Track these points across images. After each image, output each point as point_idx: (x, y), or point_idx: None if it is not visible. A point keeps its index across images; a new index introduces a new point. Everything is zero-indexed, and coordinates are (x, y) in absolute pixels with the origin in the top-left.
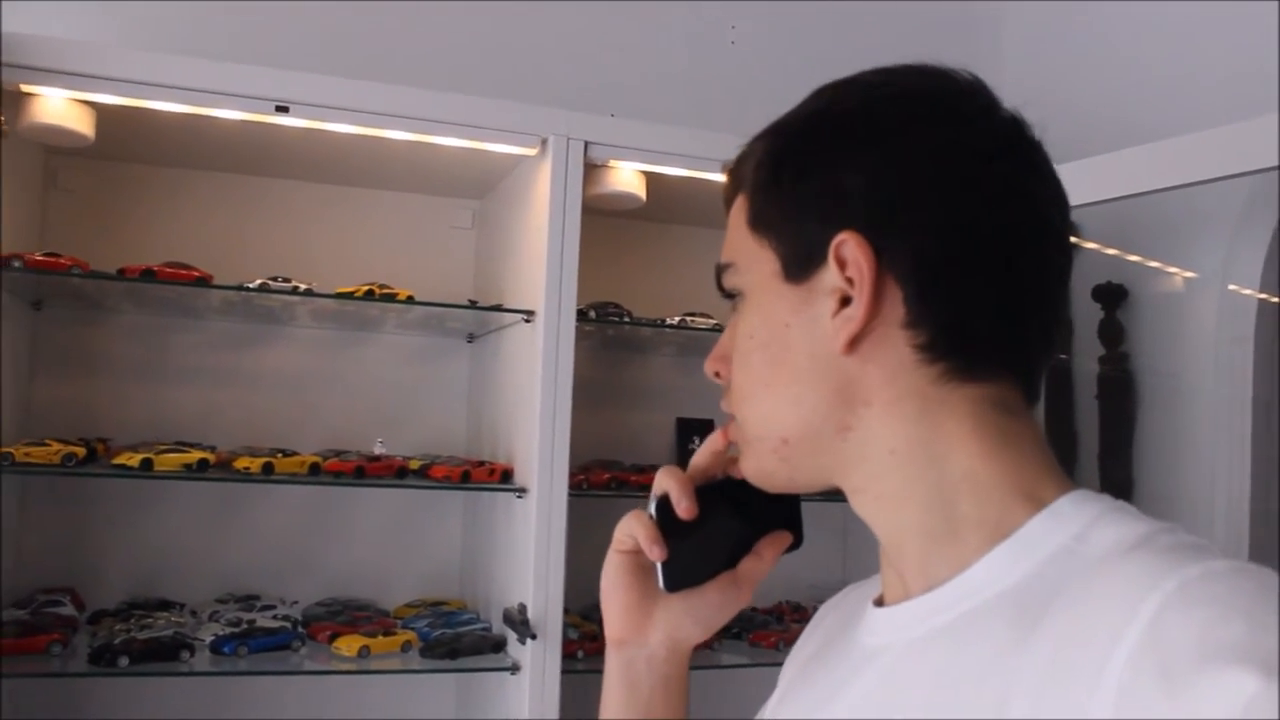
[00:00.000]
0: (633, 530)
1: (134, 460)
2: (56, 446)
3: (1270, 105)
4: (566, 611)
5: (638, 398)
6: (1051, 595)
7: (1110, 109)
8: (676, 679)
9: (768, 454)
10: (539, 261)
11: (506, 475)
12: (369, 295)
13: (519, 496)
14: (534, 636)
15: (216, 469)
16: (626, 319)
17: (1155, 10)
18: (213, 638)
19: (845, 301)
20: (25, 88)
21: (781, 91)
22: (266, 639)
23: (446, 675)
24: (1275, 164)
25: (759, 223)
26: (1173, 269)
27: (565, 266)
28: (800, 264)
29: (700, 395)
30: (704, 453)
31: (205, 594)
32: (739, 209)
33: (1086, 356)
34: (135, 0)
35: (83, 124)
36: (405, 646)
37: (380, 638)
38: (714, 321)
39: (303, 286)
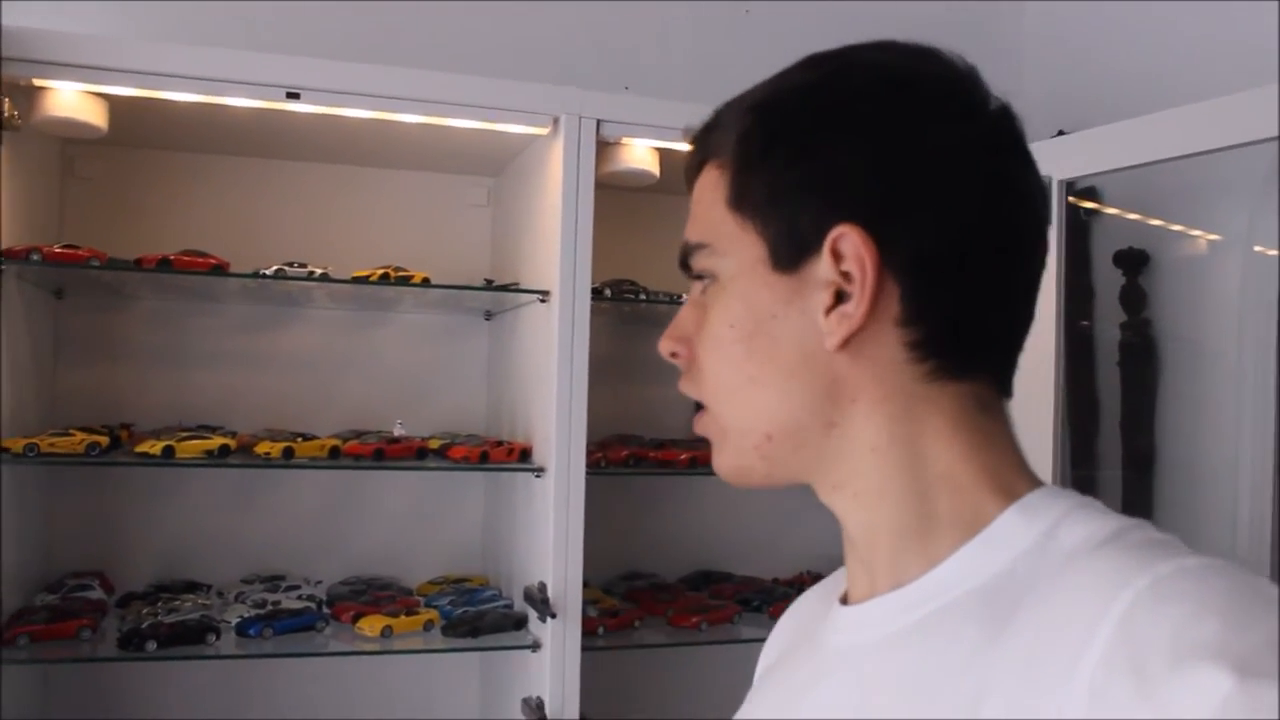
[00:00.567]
0: None
1: (156, 448)
2: (80, 436)
3: None
4: (587, 585)
5: (655, 372)
6: (1022, 593)
7: (1134, 73)
8: None
9: (749, 450)
10: (553, 241)
11: (525, 454)
12: (384, 279)
13: (537, 476)
14: (554, 615)
15: (237, 454)
16: (642, 296)
17: None
18: (238, 620)
19: (839, 296)
20: (38, 82)
21: None
22: (291, 621)
23: (470, 653)
24: None
25: (744, 203)
26: (1196, 232)
27: (579, 247)
28: (792, 253)
29: None
30: None
31: (231, 574)
32: (712, 184)
33: (1108, 323)
34: None
35: (96, 116)
36: (427, 625)
37: (403, 617)
38: None
39: (318, 271)
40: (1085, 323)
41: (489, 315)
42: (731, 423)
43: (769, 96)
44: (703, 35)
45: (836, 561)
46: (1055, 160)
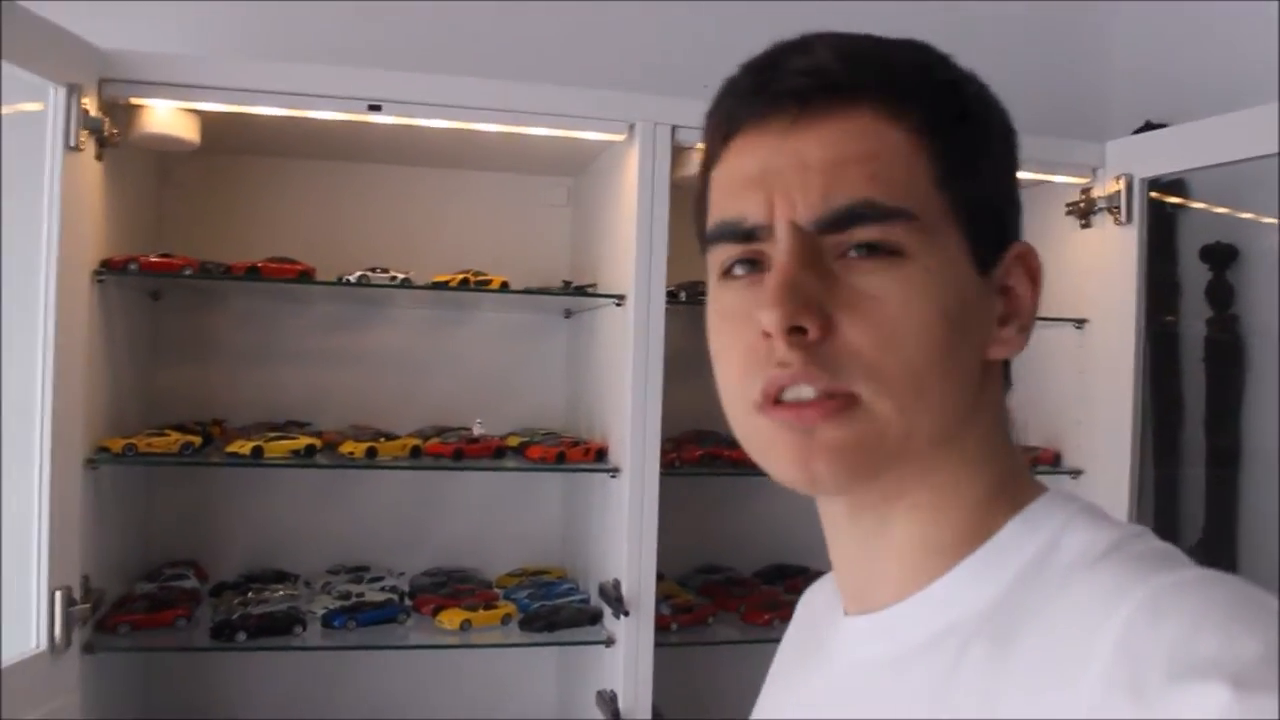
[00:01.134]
0: None
1: (246, 448)
2: (175, 436)
3: None
4: (662, 578)
5: None
6: (1025, 609)
7: (1220, 68)
8: None
9: (892, 455)
10: (629, 245)
11: (601, 454)
12: (464, 284)
13: (612, 476)
14: (627, 613)
15: (323, 454)
16: None
17: None
18: (324, 611)
19: (1013, 317)
20: (135, 101)
21: None
22: (374, 613)
23: (547, 647)
24: None
25: (961, 188)
26: None
27: (654, 251)
28: (989, 256)
29: None
30: None
31: (318, 565)
32: (900, 146)
33: (1193, 319)
34: (231, 2)
35: (189, 131)
36: (505, 619)
37: (481, 611)
38: None
39: (400, 276)
40: (1170, 319)
41: (568, 314)
42: (900, 421)
43: (964, 77)
44: (775, 38)
45: None
46: (1137, 158)
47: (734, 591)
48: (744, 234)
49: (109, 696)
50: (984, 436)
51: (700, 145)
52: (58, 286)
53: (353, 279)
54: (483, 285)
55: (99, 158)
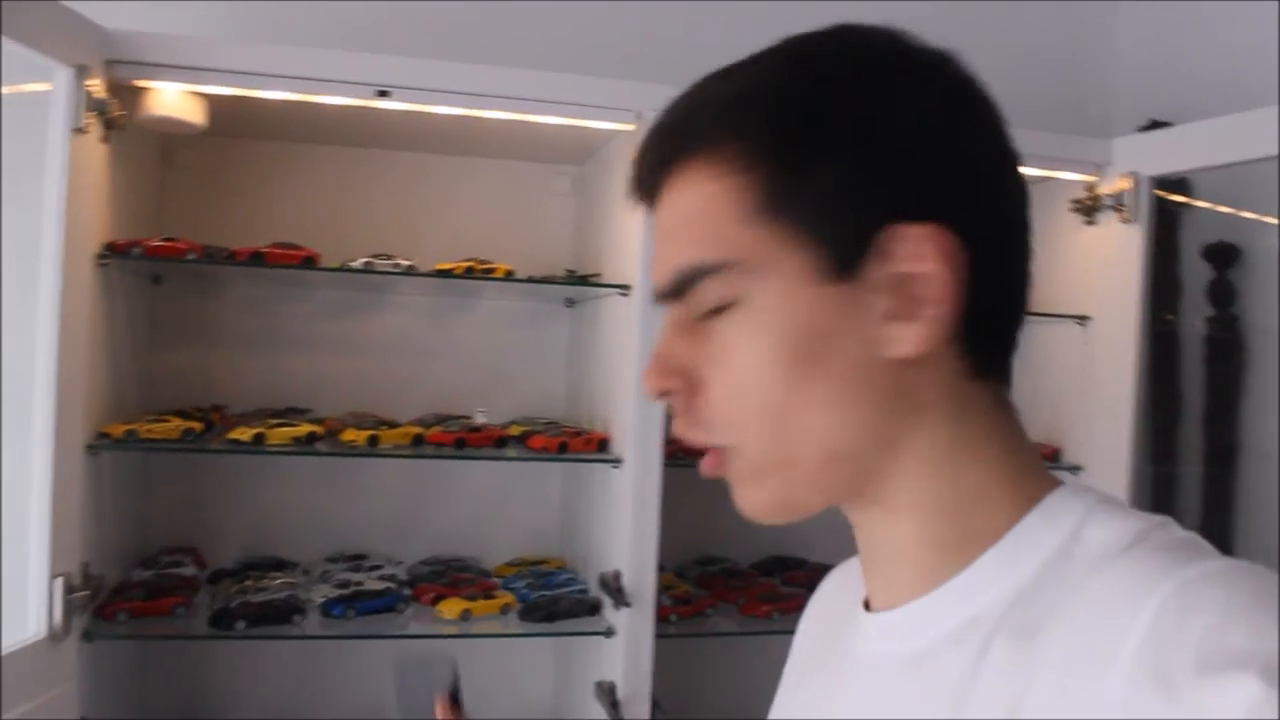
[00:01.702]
0: None
1: (247, 435)
2: (176, 422)
3: None
4: (661, 569)
5: None
6: (1051, 603)
7: (1227, 66)
8: None
9: (799, 483)
10: (635, 235)
11: (603, 444)
12: (468, 273)
13: (615, 467)
14: (628, 604)
15: (324, 441)
16: None
17: None
18: (323, 600)
19: (916, 302)
20: (140, 83)
21: None
22: (373, 601)
23: (546, 637)
24: None
25: (786, 209)
26: None
27: None
28: (847, 259)
29: None
30: None
31: (316, 553)
32: (714, 194)
33: (1194, 318)
34: None
35: (195, 114)
36: (505, 609)
37: (480, 601)
38: None
39: (404, 263)
40: (1170, 317)
41: (571, 303)
42: (774, 457)
43: (788, 85)
44: (783, 29)
45: None
46: (1144, 156)
47: (731, 583)
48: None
49: (104, 684)
50: (940, 435)
51: None
52: (62, 270)
53: (357, 266)
54: (487, 274)
55: (104, 140)
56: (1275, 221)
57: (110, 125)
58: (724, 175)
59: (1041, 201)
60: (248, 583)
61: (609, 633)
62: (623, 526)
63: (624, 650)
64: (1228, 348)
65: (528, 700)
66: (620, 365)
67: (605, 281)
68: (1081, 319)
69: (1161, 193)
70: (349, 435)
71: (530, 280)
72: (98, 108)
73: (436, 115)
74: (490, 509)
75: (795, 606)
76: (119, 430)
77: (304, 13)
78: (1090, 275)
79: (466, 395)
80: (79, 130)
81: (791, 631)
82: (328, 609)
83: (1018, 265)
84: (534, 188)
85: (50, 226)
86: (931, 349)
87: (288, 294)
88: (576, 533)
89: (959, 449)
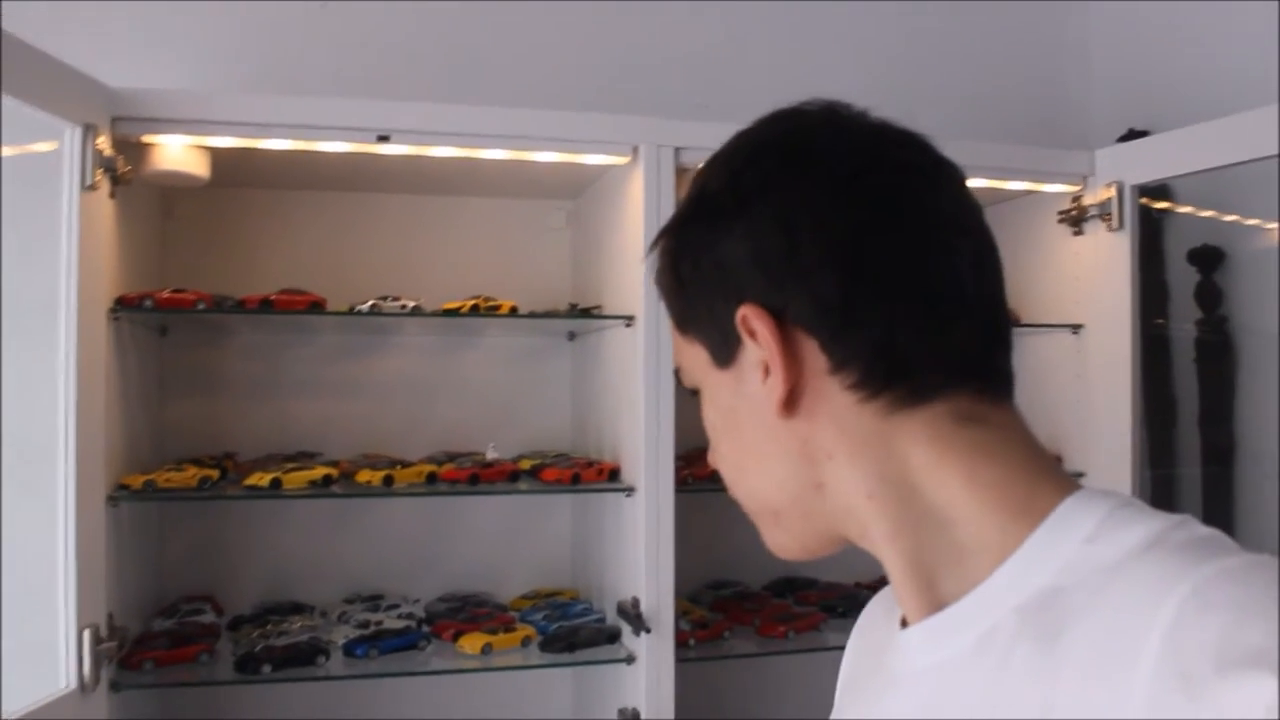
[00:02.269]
0: None
1: (264, 480)
2: (192, 470)
3: None
4: (677, 596)
5: None
6: (1071, 607)
7: (1203, 72)
8: None
9: (771, 528)
10: (636, 266)
11: (614, 474)
12: (474, 311)
13: (627, 495)
14: (648, 630)
15: (339, 483)
16: None
17: None
18: (345, 640)
19: (769, 370)
20: (145, 138)
21: (867, 88)
22: (395, 640)
23: (564, 667)
24: None
25: (681, 324)
26: (1272, 225)
27: None
28: (723, 349)
29: None
30: None
31: (331, 595)
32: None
33: (1183, 321)
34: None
35: (199, 166)
36: (525, 641)
37: (501, 634)
38: None
39: (410, 304)
40: (1160, 321)
41: (572, 336)
42: (753, 509)
43: (667, 224)
44: (777, 59)
45: None
46: (1127, 165)
47: (746, 605)
48: None
49: None
50: (863, 470)
51: None
52: (78, 325)
53: (365, 309)
54: (493, 311)
55: (112, 195)
56: (1258, 223)
57: (117, 181)
58: (665, 302)
59: (1029, 214)
60: (268, 627)
61: (630, 659)
62: (638, 553)
63: (646, 676)
64: (1218, 349)
65: None
66: (628, 394)
67: (609, 313)
68: (1075, 327)
69: (1145, 200)
70: (364, 476)
71: (535, 316)
72: (106, 164)
73: (434, 157)
74: (502, 543)
75: (810, 625)
76: (138, 481)
77: (301, 61)
78: (1081, 284)
79: (473, 432)
80: (89, 188)
81: (809, 650)
82: (350, 649)
83: (910, 297)
84: (530, 224)
85: (65, 283)
86: (812, 401)
87: (292, 340)
88: (589, 563)
89: (905, 475)
